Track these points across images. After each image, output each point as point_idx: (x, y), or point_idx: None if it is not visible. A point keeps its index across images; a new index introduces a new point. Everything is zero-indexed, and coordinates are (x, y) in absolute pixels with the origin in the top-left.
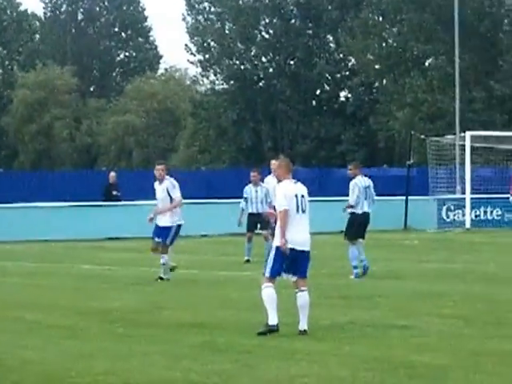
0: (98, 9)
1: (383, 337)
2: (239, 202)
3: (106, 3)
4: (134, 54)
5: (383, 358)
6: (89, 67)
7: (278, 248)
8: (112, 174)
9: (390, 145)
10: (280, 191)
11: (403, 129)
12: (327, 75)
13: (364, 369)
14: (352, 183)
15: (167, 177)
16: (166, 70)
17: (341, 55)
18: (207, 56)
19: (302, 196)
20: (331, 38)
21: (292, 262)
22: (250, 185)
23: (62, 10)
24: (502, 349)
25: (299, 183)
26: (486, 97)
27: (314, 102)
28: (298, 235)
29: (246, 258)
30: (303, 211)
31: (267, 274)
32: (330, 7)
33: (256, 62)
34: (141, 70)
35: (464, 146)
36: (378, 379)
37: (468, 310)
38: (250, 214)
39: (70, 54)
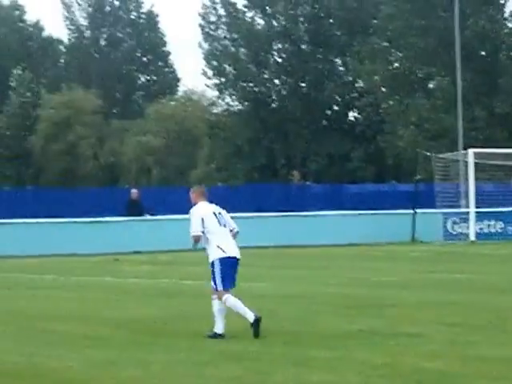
0: (120, 35)
1: (393, 344)
2: (253, 217)
3: (128, 29)
4: (155, 77)
5: (394, 364)
6: (112, 90)
7: (220, 260)
8: (134, 190)
9: (398, 162)
10: (195, 214)
11: (408, 147)
12: (337, 96)
13: (376, 375)
14: None
15: None
16: (184, 92)
17: (349, 78)
18: (223, 79)
19: (220, 213)
20: (340, 62)
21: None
22: None
23: (86, 35)
24: (508, 354)
25: (214, 204)
26: (486, 115)
27: (324, 122)
28: (231, 245)
29: None
30: (224, 225)
31: (221, 288)
32: (338, 33)
33: (269, 85)
34: (161, 92)
35: (467, 162)
36: None
37: (473, 319)
38: None
39: (94, 78)
